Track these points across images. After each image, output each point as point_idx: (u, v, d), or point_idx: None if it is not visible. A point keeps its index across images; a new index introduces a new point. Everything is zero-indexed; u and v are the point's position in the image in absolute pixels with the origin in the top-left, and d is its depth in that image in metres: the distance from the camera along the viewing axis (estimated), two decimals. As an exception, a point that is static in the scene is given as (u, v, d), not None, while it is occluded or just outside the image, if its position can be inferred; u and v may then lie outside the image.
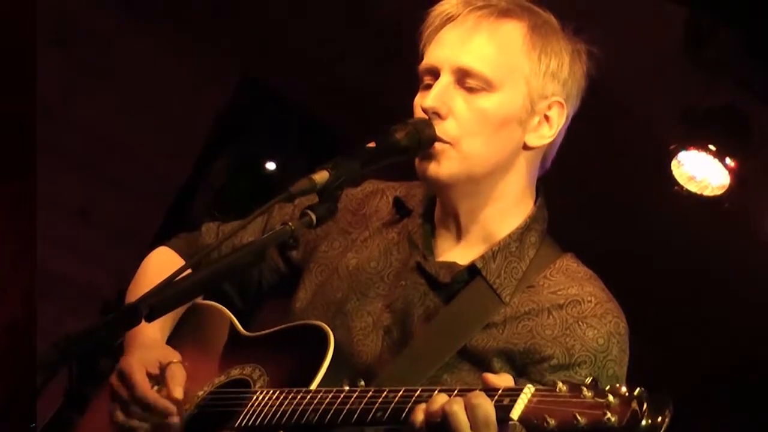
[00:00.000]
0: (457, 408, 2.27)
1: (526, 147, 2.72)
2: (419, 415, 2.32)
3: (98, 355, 2.78)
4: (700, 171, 5.23)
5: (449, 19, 2.72)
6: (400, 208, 2.86)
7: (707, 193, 5.25)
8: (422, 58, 2.75)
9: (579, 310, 2.62)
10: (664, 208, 5.58)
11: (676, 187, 5.24)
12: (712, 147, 5.10)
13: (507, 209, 2.74)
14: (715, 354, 6.76)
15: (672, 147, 5.17)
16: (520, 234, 2.72)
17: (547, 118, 2.72)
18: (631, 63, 5.13)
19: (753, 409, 6.68)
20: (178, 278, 2.37)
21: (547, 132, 2.73)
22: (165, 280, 2.36)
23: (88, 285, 6.14)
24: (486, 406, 2.25)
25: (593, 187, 6.11)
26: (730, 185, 5.16)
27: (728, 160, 5.10)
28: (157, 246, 3.07)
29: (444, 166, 2.66)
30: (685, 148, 5.17)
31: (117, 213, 6.26)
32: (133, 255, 6.11)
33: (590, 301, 2.63)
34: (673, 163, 5.24)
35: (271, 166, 6.82)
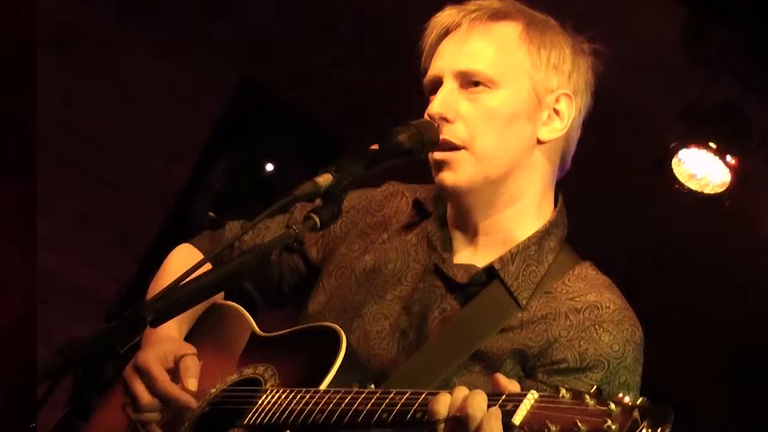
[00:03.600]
0: (480, 399, 2.23)
1: (540, 142, 2.72)
2: (442, 409, 2.27)
3: (103, 361, 2.77)
4: (701, 169, 5.23)
5: (447, 31, 2.74)
6: (420, 210, 2.85)
7: (708, 191, 5.25)
8: (425, 74, 2.75)
9: (597, 314, 2.61)
10: (664, 206, 5.57)
11: (677, 185, 5.24)
12: (712, 145, 5.10)
13: (526, 210, 2.73)
14: (715, 353, 6.75)
15: (672, 145, 5.17)
16: (540, 238, 2.71)
17: (556, 111, 2.72)
18: (631, 62, 5.13)
19: (753, 409, 6.67)
20: (182, 283, 2.36)
21: (559, 125, 2.72)
22: (170, 284, 2.35)
23: (86, 288, 6.13)
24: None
25: (594, 186, 6.10)
26: (731, 183, 5.16)
27: (729, 158, 5.10)
28: (168, 247, 3.04)
29: (460, 173, 2.66)
30: (686, 146, 5.17)
31: (115, 216, 6.24)
32: (131, 258, 6.16)
33: (608, 307, 2.62)
34: (674, 161, 5.24)
35: (269, 168, 6.80)
